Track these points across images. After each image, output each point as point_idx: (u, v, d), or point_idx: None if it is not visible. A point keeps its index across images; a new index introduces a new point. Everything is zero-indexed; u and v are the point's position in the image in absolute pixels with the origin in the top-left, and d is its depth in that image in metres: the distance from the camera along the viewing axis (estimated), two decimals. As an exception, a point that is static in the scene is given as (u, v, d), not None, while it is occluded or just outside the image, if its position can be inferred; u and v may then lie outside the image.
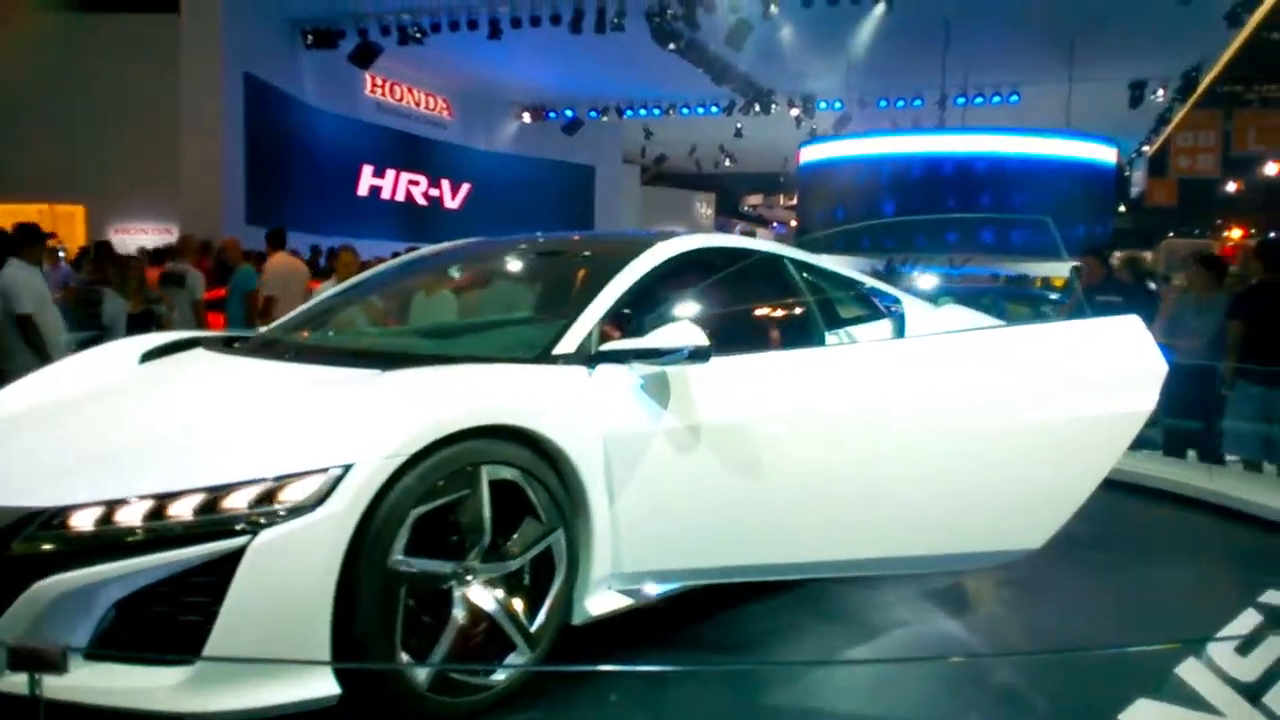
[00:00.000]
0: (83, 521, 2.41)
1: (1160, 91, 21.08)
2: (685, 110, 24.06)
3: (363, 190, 21.53)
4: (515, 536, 2.83)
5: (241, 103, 16.75)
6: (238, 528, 2.36)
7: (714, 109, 23.45)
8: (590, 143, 26.28)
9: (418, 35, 17.41)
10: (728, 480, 3.16)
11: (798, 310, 4.10)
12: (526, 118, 25.61)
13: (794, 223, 35.08)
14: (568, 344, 3.17)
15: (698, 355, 3.02)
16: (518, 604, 2.82)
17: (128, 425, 2.89)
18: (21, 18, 17.17)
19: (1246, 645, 3.46)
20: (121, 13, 17.53)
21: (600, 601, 3.06)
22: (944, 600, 3.99)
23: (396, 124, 22.17)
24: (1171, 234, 29.97)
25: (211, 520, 2.38)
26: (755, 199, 44.00)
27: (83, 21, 17.69)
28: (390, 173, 22.15)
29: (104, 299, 7.07)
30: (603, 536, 3.01)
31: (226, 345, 3.78)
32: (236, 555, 2.34)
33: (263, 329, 4.48)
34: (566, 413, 2.95)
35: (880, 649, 3.49)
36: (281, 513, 2.39)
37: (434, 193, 23.61)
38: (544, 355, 3.14)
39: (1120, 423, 3.55)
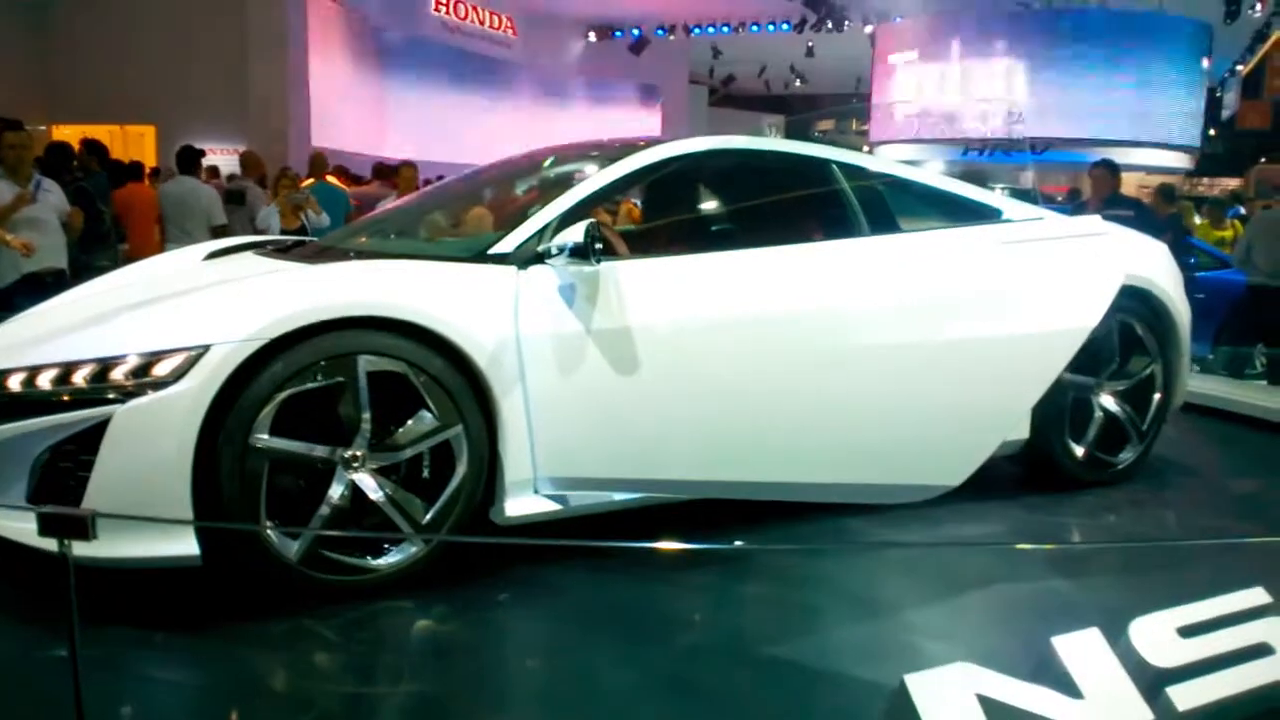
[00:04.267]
0: (13, 384, 2.77)
1: (1259, 5, 19.94)
2: (755, 27, 23.40)
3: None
4: (403, 429, 2.91)
5: (306, 19, 16.56)
6: (109, 396, 2.67)
7: (785, 26, 22.72)
8: (657, 62, 25.68)
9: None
10: (650, 387, 3.17)
11: (837, 220, 3.79)
12: (592, 36, 25.08)
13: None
14: (506, 245, 3.22)
15: (576, 253, 3.04)
16: (409, 496, 2.94)
17: (103, 309, 3.17)
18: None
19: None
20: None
21: (521, 504, 3.09)
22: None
23: (461, 43, 21.81)
24: (1264, 159, 28.64)
25: (95, 389, 2.69)
26: (826, 124, 42.95)
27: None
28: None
29: None
30: (517, 437, 3.04)
31: (282, 250, 3.90)
32: (108, 421, 2.64)
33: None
34: (473, 310, 2.99)
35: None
36: (147, 386, 2.66)
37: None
38: (479, 256, 3.20)
39: (1063, 340, 3.74)
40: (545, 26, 23.96)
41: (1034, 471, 4.14)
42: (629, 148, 3.64)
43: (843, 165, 3.86)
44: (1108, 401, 4.14)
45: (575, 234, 3.05)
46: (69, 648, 1.82)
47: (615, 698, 2.47)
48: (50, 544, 2.46)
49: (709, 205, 4.20)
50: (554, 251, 3.10)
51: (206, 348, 2.69)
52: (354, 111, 18.20)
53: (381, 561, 2.92)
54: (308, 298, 2.84)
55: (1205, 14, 19.89)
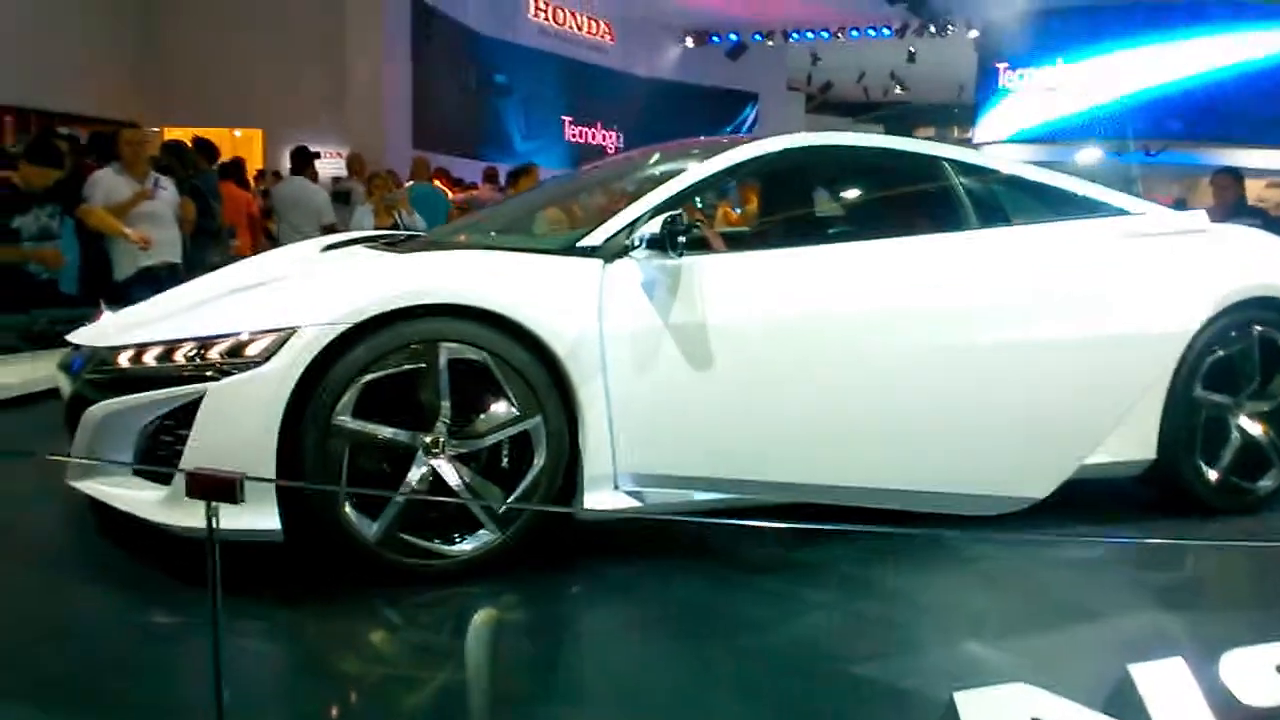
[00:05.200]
0: (122, 360, 2.96)
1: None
2: (855, 32, 23.02)
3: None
4: (483, 416, 2.93)
5: (409, 26, 16.88)
6: (207, 374, 2.79)
7: (885, 31, 22.34)
8: (754, 68, 25.51)
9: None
10: (732, 384, 3.10)
11: (925, 214, 3.73)
12: (689, 42, 25.02)
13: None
14: (594, 239, 3.20)
15: (654, 245, 3.05)
16: (488, 484, 2.96)
17: (215, 292, 3.37)
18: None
19: None
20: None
21: (600, 499, 3.05)
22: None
23: (558, 48, 21.97)
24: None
25: (194, 366, 2.83)
26: (927, 131, 42.15)
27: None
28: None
29: None
30: (596, 430, 3.01)
31: (392, 244, 4.04)
32: (202, 398, 2.76)
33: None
34: (555, 301, 3.00)
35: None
36: (240, 365, 2.77)
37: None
38: (567, 249, 3.20)
39: (1158, 345, 3.57)
40: (643, 31, 24.01)
41: (1163, 496, 3.85)
42: (727, 144, 3.61)
43: (938, 159, 3.76)
44: (1246, 423, 3.81)
45: (655, 226, 3.06)
46: (212, 618, 1.85)
47: (660, 693, 2.44)
48: (163, 516, 2.78)
49: (800, 202, 4.17)
50: (635, 244, 3.09)
51: (294, 330, 2.78)
52: (454, 117, 18.49)
53: (459, 548, 2.94)
54: (391, 284, 2.91)
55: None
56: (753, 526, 3.31)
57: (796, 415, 3.22)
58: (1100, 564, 3.44)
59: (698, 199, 3.87)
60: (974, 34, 22.03)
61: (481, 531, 2.96)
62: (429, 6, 17.41)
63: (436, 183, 9.72)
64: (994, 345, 3.38)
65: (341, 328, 2.79)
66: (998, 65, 21.88)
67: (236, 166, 9.45)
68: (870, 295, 3.32)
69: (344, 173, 10.90)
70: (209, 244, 7.37)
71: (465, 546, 2.95)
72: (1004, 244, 3.59)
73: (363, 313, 2.80)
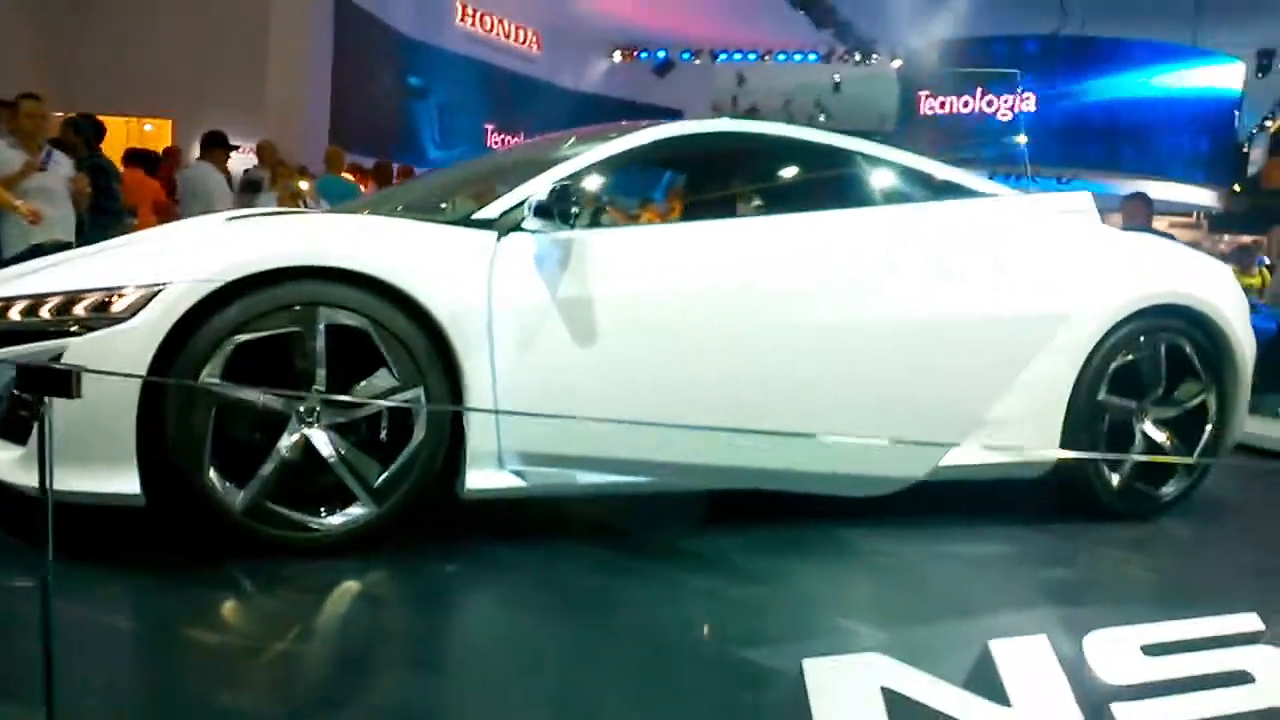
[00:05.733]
0: None
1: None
2: (781, 56, 23.33)
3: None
4: (361, 385, 2.82)
5: (331, 25, 16.59)
6: (71, 329, 2.67)
7: (812, 56, 22.66)
8: (681, 87, 25.64)
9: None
10: (621, 361, 3.03)
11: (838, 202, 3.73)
12: (617, 56, 25.08)
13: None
14: (490, 211, 3.13)
15: (541, 213, 2.97)
16: (363, 456, 2.83)
17: (104, 249, 3.24)
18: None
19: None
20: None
21: (484, 477, 2.97)
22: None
23: (484, 55, 21.80)
24: (1287, 218, 28.28)
25: (59, 321, 2.70)
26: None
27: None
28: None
29: None
30: (481, 405, 2.92)
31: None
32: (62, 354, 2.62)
33: None
34: (442, 271, 2.91)
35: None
36: (104, 321, 2.64)
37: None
38: (463, 220, 3.14)
39: (1040, 325, 3.54)
40: (571, 43, 23.98)
41: (1065, 499, 3.84)
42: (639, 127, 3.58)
43: (833, 147, 3.83)
44: (1151, 429, 3.84)
45: (542, 193, 2.99)
46: (42, 578, 1.71)
47: (513, 667, 2.38)
48: (19, 476, 2.64)
49: (708, 186, 4.21)
50: (524, 213, 3.02)
51: (163, 286, 2.67)
52: (372, 118, 18.20)
53: (330, 521, 2.84)
54: (268, 246, 2.84)
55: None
56: (647, 514, 3.23)
57: (681, 395, 3.15)
58: (989, 559, 3.45)
59: (601, 186, 3.79)
60: (897, 63, 22.47)
61: (356, 505, 2.84)
62: (355, 5, 17.14)
63: (348, 175, 9.52)
64: (875, 322, 3.35)
65: (212, 285, 2.68)
66: (919, 93, 22.34)
67: (144, 156, 9.17)
68: (755, 272, 3.28)
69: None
70: (111, 224, 7.10)
71: (335, 520, 2.84)
72: (893, 221, 3.59)
73: (234, 271, 2.70)
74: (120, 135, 16.02)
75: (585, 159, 3.35)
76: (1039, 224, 3.75)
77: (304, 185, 8.48)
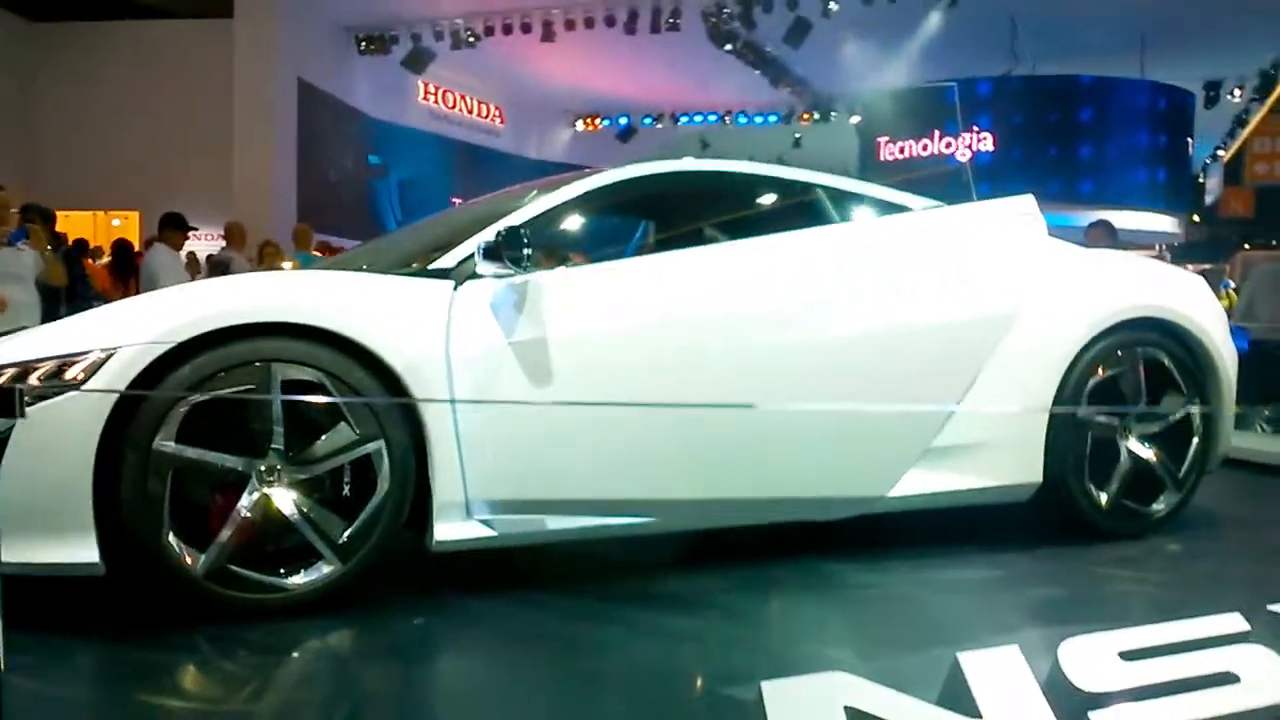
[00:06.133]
0: None
1: (1237, 92, 20.23)
2: (742, 118, 23.63)
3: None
4: (321, 441, 2.78)
5: (295, 108, 16.72)
6: (25, 399, 2.57)
7: (772, 117, 22.99)
8: (644, 151, 25.94)
9: (471, 39, 17.35)
10: (581, 398, 2.98)
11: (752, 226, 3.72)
12: (579, 125, 25.38)
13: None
14: (447, 260, 3.11)
15: (490, 255, 2.92)
16: (326, 513, 2.79)
17: (63, 321, 3.13)
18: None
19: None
20: (175, 19, 17.63)
21: (452, 529, 2.91)
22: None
23: (449, 131, 22.02)
24: (1246, 245, 28.70)
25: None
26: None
27: (136, 28, 17.81)
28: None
29: None
30: (445, 456, 2.87)
31: None
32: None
33: None
34: (399, 321, 2.88)
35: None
36: (59, 389, 2.60)
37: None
38: (420, 270, 3.13)
39: (981, 330, 3.49)
40: (534, 115, 24.27)
41: (1054, 520, 3.80)
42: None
43: (754, 177, 3.93)
44: (1136, 445, 3.81)
45: (490, 237, 2.98)
46: None
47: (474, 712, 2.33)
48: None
49: (664, 225, 4.23)
50: (476, 258, 2.99)
51: (115, 350, 2.63)
52: (337, 198, 18.28)
53: (294, 580, 2.77)
54: (218, 302, 2.78)
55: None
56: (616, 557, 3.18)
57: (643, 430, 3.11)
58: (976, 584, 3.42)
59: (564, 230, 3.79)
60: (856, 119, 22.82)
61: (320, 563, 2.78)
62: (318, 91, 17.30)
63: (317, 253, 9.57)
64: (832, 341, 3.32)
65: (162, 347, 2.65)
66: (878, 140, 22.68)
67: (83, 246, 9.25)
68: (711, 299, 3.26)
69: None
70: (83, 310, 7.13)
71: (300, 579, 2.77)
72: (846, 240, 3.57)
73: (181, 331, 2.67)
74: (87, 229, 16.06)
75: (543, 203, 3.36)
76: (1007, 241, 3.70)
77: (286, 266, 8.47)
